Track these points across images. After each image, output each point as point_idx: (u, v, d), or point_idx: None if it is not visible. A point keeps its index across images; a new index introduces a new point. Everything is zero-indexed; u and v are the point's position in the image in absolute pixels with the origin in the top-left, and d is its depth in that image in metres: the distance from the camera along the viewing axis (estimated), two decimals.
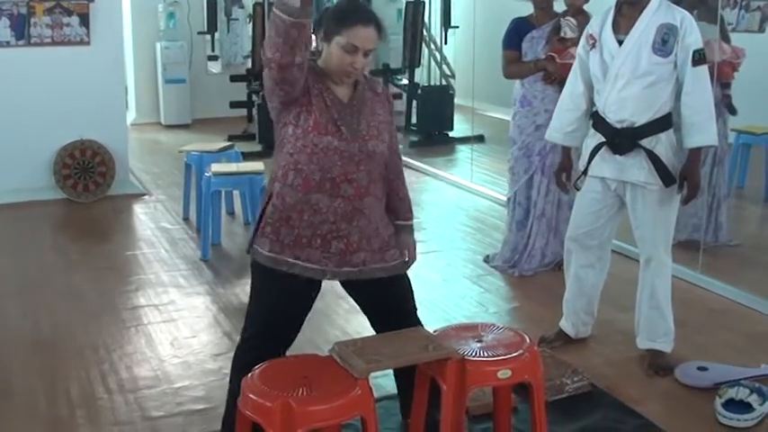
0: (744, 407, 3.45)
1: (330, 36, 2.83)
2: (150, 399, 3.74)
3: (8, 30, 6.88)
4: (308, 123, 2.84)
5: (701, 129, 3.75)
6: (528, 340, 2.89)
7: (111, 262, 5.66)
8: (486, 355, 2.78)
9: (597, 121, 3.94)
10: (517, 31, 5.20)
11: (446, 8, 10.35)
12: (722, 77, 5.43)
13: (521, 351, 2.81)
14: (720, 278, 5.06)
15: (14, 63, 6.92)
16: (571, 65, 4.16)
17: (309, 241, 2.89)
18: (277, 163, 2.95)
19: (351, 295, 3.17)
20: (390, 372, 3.23)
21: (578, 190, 4.11)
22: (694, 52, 3.72)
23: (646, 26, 3.75)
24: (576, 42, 4.58)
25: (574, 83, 4.05)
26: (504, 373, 2.76)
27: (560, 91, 4.26)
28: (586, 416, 3.55)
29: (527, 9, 5.28)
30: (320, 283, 3.01)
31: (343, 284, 3.08)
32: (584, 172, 4.01)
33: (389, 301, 3.08)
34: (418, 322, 3.09)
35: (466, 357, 2.73)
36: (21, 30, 6.91)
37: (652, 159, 3.78)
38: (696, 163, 3.81)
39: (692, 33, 3.73)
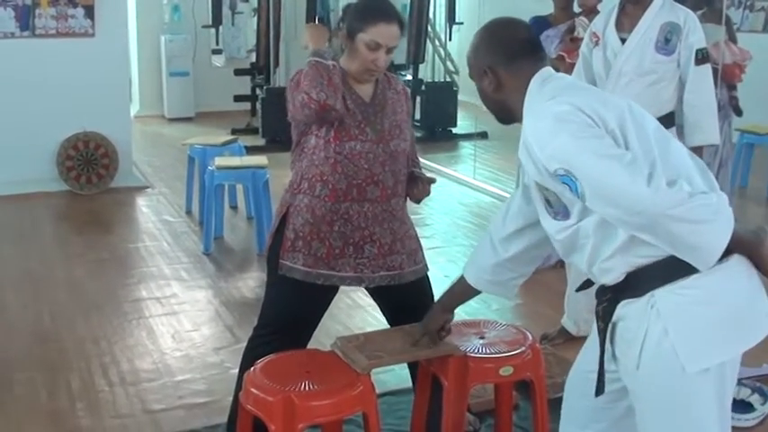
0: (745, 406, 3.45)
1: (353, 33, 2.80)
2: (151, 392, 3.74)
3: (13, 21, 6.88)
4: (330, 134, 2.82)
5: (703, 127, 3.76)
6: (530, 337, 2.90)
7: (113, 254, 5.67)
8: (487, 352, 2.78)
9: None
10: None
11: (451, 4, 10.34)
12: (731, 79, 5.42)
13: (523, 348, 2.82)
14: None
15: (19, 54, 6.91)
16: None
17: (342, 251, 2.86)
18: (299, 174, 2.91)
19: (377, 300, 3.10)
20: (392, 367, 3.22)
21: None
22: (697, 51, 3.72)
23: (649, 25, 3.75)
24: None
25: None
26: (505, 371, 2.76)
27: None
28: None
29: (531, 6, 5.26)
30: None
31: (371, 289, 3.02)
32: None
33: (415, 304, 2.96)
34: None
35: (468, 354, 2.73)
36: (25, 21, 6.91)
37: None
38: None
39: (696, 32, 3.73)
